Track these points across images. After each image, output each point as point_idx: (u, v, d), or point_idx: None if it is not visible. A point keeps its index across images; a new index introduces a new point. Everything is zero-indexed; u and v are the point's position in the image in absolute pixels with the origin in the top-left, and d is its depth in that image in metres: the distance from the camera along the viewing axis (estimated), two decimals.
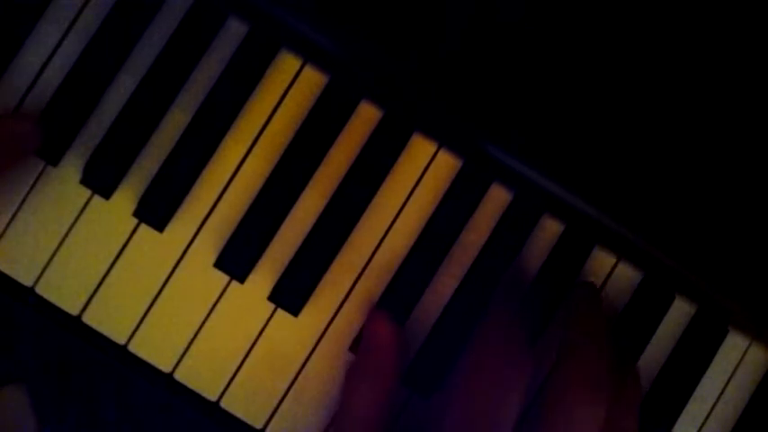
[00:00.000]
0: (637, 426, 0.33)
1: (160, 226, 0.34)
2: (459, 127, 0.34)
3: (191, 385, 0.34)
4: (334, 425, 0.34)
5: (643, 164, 0.34)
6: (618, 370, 0.33)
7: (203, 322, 0.34)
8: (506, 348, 0.31)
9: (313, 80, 0.35)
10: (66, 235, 0.34)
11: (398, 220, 0.35)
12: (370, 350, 0.33)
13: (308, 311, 0.34)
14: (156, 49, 0.34)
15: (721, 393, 0.36)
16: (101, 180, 0.33)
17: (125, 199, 0.34)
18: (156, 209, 0.34)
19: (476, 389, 0.30)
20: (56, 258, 0.34)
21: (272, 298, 0.34)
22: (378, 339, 0.33)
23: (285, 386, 0.34)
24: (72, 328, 0.34)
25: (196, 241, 0.34)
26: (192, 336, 0.34)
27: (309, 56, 0.34)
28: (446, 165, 0.35)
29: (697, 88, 0.34)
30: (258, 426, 0.34)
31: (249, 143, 0.34)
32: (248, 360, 0.34)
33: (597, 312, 0.33)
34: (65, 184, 0.34)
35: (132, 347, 0.34)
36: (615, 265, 0.36)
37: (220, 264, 0.34)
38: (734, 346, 0.36)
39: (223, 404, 0.34)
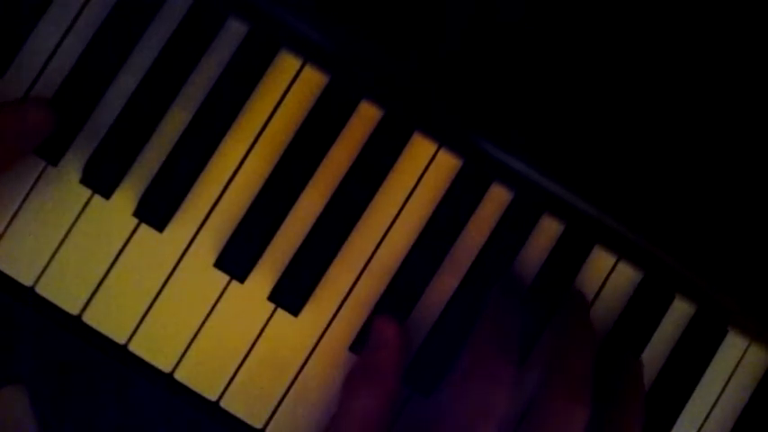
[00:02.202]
0: (641, 424, 0.33)
1: (160, 226, 0.34)
2: (459, 127, 0.34)
3: (191, 385, 0.34)
4: (332, 424, 0.34)
5: (643, 163, 0.34)
6: (620, 370, 0.34)
7: (203, 322, 0.34)
8: (499, 347, 0.31)
9: (313, 80, 0.35)
10: (67, 235, 0.34)
11: (398, 220, 0.35)
12: (372, 350, 0.33)
13: (308, 311, 0.34)
14: (156, 49, 0.34)
15: (721, 393, 0.36)
16: (101, 180, 0.34)
17: (125, 199, 0.34)
18: (157, 209, 0.34)
19: (466, 388, 0.30)
20: (56, 258, 0.34)
21: (272, 298, 0.34)
22: (381, 340, 0.33)
23: (285, 386, 0.34)
24: (72, 328, 0.34)
25: (196, 241, 0.34)
26: (191, 336, 0.34)
27: (309, 56, 0.34)
28: (446, 165, 0.35)
29: (697, 88, 0.34)
30: (258, 426, 0.34)
31: (249, 143, 0.34)
32: (248, 360, 0.34)
33: (584, 321, 0.34)
34: (65, 184, 0.34)
35: (132, 347, 0.34)
36: (615, 265, 0.36)
37: (220, 264, 0.34)
38: (734, 346, 0.36)
39: (223, 404, 0.34)
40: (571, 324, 0.33)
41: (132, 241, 0.34)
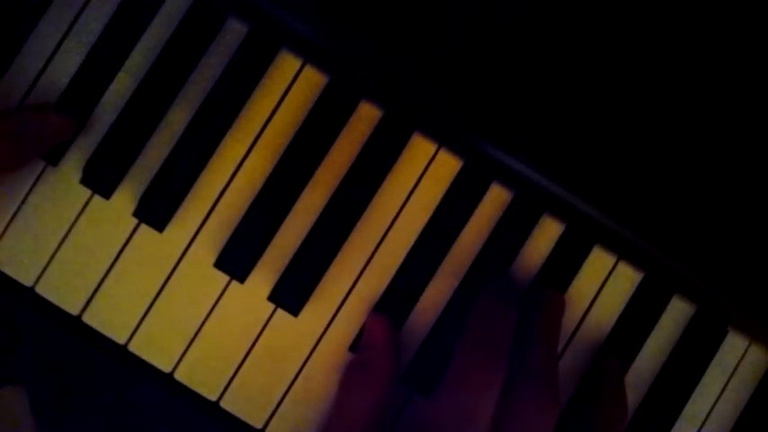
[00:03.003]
0: (624, 424, 0.33)
1: (160, 226, 0.34)
2: (459, 127, 0.34)
3: (191, 385, 0.34)
4: (327, 423, 0.34)
5: (643, 164, 0.34)
6: (607, 390, 0.34)
7: (203, 322, 0.34)
8: (491, 350, 0.31)
9: (313, 80, 0.35)
10: (67, 235, 0.34)
11: (398, 220, 0.35)
12: (363, 349, 0.33)
13: (308, 311, 0.34)
14: (156, 49, 0.34)
15: (721, 393, 0.36)
16: (101, 180, 0.34)
17: (125, 199, 0.34)
18: (157, 209, 0.34)
19: (457, 392, 0.30)
20: (56, 258, 0.34)
21: (272, 298, 0.34)
22: (370, 337, 0.33)
23: (285, 386, 0.34)
24: (72, 328, 0.34)
25: (196, 241, 0.34)
26: (192, 336, 0.34)
27: (309, 56, 0.34)
28: (446, 165, 0.35)
29: (697, 88, 0.34)
30: (258, 426, 0.34)
31: (249, 143, 0.34)
32: (248, 360, 0.34)
33: (555, 324, 0.34)
34: (65, 184, 0.34)
35: (132, 347, 0.34)
36: (615, 265, 0.36)
37: (220, 264, 0.34)
38: (733, 346, 0.36)
39: (223, 404, 0.34)
40: (540, 325, 0.33)
41: (132, 241, 0.34)
